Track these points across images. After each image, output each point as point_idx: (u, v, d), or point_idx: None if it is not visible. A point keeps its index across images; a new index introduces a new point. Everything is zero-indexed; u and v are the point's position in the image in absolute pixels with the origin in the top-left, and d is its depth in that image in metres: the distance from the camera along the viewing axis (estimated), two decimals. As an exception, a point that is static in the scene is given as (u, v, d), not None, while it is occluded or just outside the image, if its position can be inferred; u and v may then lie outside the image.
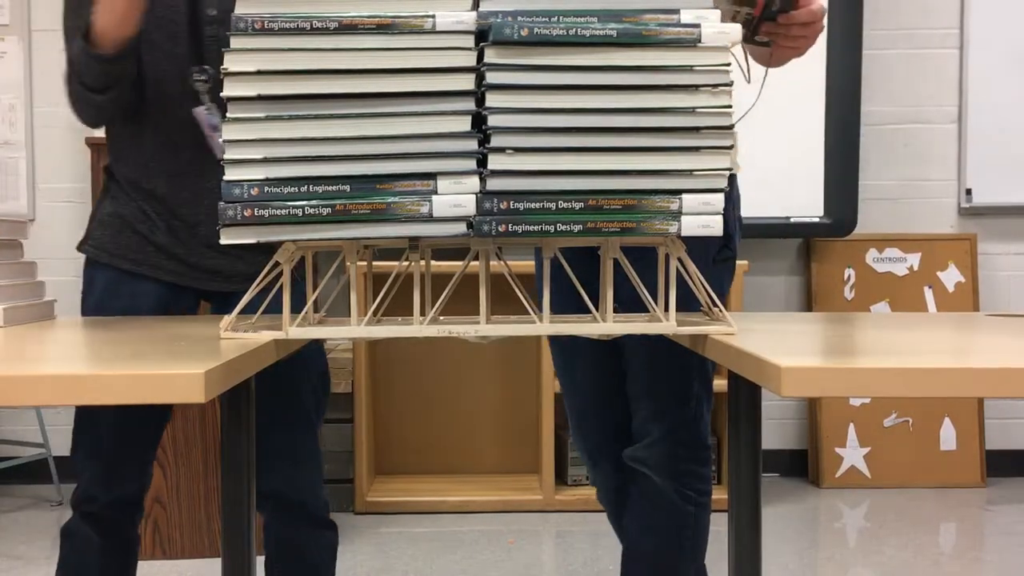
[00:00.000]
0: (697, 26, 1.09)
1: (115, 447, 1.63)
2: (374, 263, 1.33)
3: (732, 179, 1.71)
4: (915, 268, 3.75)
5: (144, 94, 1.60)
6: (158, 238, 1.64)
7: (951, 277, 3.74)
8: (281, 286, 1.14)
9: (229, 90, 1.09)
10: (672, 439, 1.63)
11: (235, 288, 1.66)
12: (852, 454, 3.66)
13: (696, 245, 1.62)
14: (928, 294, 3.74)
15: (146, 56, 1.58)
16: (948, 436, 3.67)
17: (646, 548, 1.67)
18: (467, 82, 1.10)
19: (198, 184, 1.63)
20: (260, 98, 1.09)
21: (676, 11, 1.10)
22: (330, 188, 1.09)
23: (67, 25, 1.58)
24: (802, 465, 3.80)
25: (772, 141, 3.54)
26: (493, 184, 1.09)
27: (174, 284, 1.65)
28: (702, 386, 1.64)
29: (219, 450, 2.03)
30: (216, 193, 1.63)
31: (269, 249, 1.65)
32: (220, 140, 1.58)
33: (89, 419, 1.63)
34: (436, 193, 1.09)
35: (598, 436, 1.76)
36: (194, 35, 1.58)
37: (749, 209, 3.51)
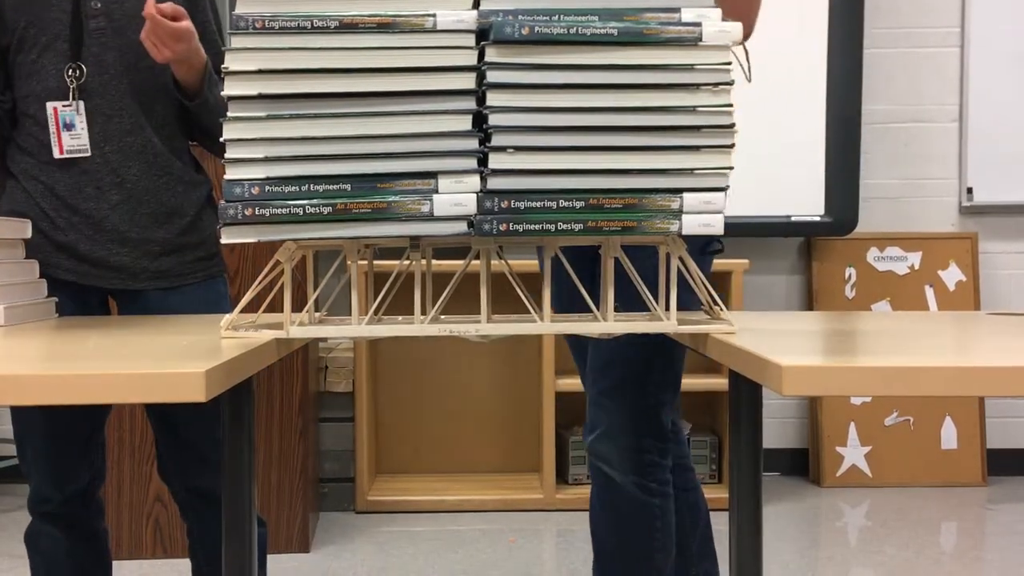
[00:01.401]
0: (698, 25, 1.09)
1: (51, 445, 1.63)
2: (375, 262, 1.33)
3: None
4: (916, 267, 3.75)
5: (25, 95, 1.60)
6: (59, 236, 1.61)
7: (952, 276, 3.74)
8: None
9: (230, 89, 1.09)
10: (634, 430, 1.60)
11: (141, 286, 1.64)
12: (853, 453, 3.66)
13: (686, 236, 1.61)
14: (929, 293, 3.74)
15: (31, 53, 1.58)
16: (949, 435, 3.67)
17: (620, 548, 1.66)
18: (468, 81, 1.10)
19: (103, 179, 1.61)
20: (261, 97, 1.09)
21: (677, 10, 1.10)
22: (331, 187, 1.09)
23: None
24: (803, 464, 3.80)
25: (773, 140, 3.54)
26: (494, 183, 1.09)
27: (76, 284, 1.62)
28: (663, 373, 1.61)
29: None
30: (122, 186, 1.62)
31: (180, 248, 1.66)
32: (69, 140, 1.59)
33: (23, 421, 1.64)
34: (437, 192, 1.09)
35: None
36: (77, 29, 1.58)
37: (750, 208, 3.54)
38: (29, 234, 1.53)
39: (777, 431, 3.82)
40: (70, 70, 1.57)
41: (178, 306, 1.64)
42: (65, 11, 1.58)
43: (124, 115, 1.61)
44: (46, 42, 1.59)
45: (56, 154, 1.58)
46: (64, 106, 1.57)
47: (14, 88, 1.63)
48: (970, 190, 3.77)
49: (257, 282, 1.15)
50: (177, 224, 1.66)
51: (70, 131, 1.57)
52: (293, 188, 1.09)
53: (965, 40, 3.74)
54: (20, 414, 1.63)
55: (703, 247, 1.63)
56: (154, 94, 1.64)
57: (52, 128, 1.57)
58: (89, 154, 1.59)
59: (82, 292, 1.63)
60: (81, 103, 1.58)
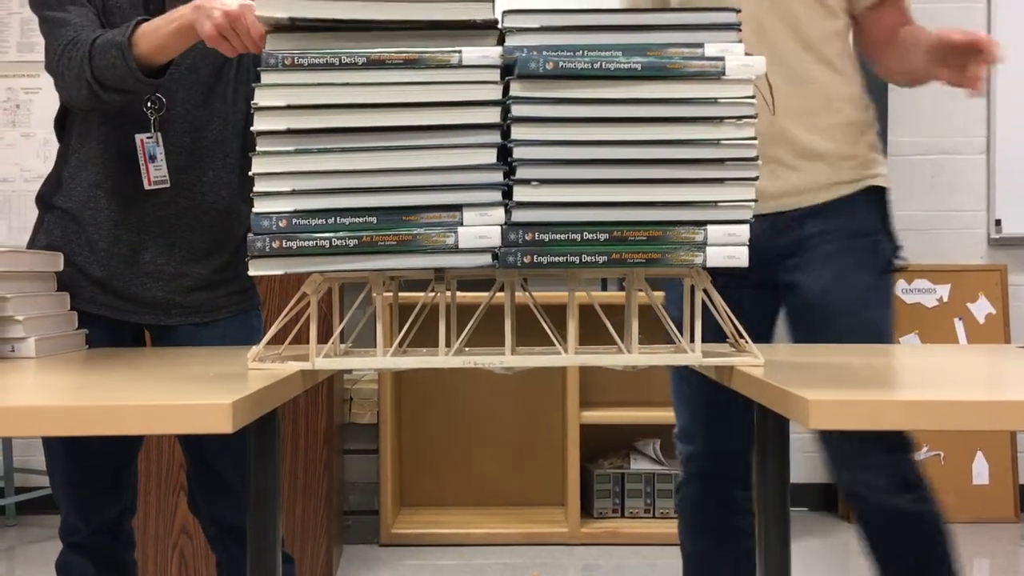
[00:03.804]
0: (721, 59, 1.10)
1: (80, 477, 1.63)
2: (400, 294, 1.34)
3: (884, 192, 1.63)
4: (945, 299, 3.71)
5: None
6: (94, 271, 1.61)
7: (981, 308, 3.70)
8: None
9: (259, 124, 1.10)
10: (885, 446, 1.52)
11: (174, 321, 1.64)
12: (883, 488, 3.60)
13: (866, 255, 1.54)
14: (958, 326, 3.69)
15: None
16: (980, 470, 3.60)
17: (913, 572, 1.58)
18: (493, 115, 1.11)
19: (145, 209, 1.61)
20: (289, 132, 1.11)
21: (700, 45, 1.10)
22: (357, 220, 1.10)
23: (52, 15, 1.54)
24: (832, 499, 3.75)
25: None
26: (518, 215, 1.10)
27: (110, 319, 1.62)
28: None
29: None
30: (165, 220, 1.62)
31: (215, 283, 1.67)
32: (154, 171, 1.59)
33: (53, 452, 1.64)
34: (462, 224, 1.10)
35: (704, 448, 1.69)
36: None
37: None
38: (61, 267, 1.55)
39: (805, 466, 3.77)
40: (149, 102, 1.57)
41: (210, 341, 1.64)
42: None
43: (182, 153, 1.61)
44: None
45: (146, 185, 1.59)
46: (147, 138, 1.58)
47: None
48: (999, 222, 3.74)
49: (284, 314, 1.16)
50: (216, 260, 1.66)
51: (153, 163, 1.58)
52: (320, 221, 1.10)
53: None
54: (50, 445, 1.65)
55: (882, 268, 1.57)
56: (216, 131, 1.63)
57: (141, 160, 1.58)
58: (168, 185, 1.60)
59: (116, 326, 1.64)
60: (159, 135, 1.58)
